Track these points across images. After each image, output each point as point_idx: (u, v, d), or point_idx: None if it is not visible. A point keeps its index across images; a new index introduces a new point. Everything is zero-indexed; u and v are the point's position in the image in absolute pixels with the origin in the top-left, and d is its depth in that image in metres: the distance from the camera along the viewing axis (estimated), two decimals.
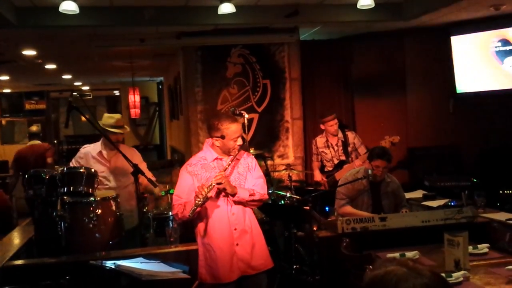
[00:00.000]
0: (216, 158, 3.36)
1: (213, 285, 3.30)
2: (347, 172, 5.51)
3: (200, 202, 3.11)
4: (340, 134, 5.92)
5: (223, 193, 3.29)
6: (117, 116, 4.71)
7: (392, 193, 4.40)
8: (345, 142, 5.88)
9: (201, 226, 3.35)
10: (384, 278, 1.36)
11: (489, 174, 6.63)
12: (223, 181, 3.17)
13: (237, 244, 3.30)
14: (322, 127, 5.96)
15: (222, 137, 3.27)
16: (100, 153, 4.59)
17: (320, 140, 6.01)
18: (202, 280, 3.31)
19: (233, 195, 3.25)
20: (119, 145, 4.58)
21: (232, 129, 3.27)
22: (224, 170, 3.24)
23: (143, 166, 4.67)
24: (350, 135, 5.94)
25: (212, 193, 3.21)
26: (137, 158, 4.64)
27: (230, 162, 3.28)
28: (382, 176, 4.35)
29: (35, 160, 7.68)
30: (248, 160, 3.46)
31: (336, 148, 5.90)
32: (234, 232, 3.31)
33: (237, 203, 3.31)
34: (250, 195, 3.30)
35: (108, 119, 4.63)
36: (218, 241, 3.28)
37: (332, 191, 5.28)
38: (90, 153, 4.60)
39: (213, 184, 3.15)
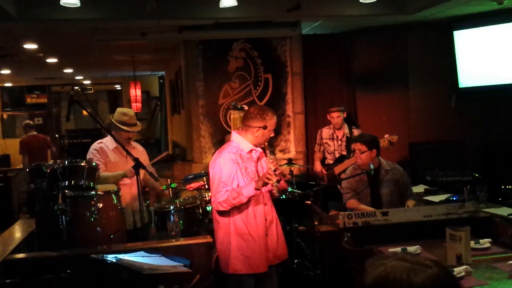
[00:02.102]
0: (252, 150, 3.40)
1: (249, 276, 3.30)
2: (346, 166, 5.52)
3: (276, 184, 3.20)
4: (346, 130, 5.96)
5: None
6: (131, 113, 4.50)
7: (392, 181, 4.32)
8: (349, 138, 5.91)
9: (238, 216, 3.32)
10: (391, 276, 1.34)
11: (491, 169, 6.63)
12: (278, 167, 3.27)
13: (267, 235, 3.37)
14: (328, 117, 6.01)
15: (265, 127, 3.34)
16: (116, 148, 4.40)
17: (326, 131, 6.06)
18: (235, 271, 3.30)
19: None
20: (130, 141, 4.53)
21: (273, 121, 3.39)
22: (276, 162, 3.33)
23: (147, 164, 4.65)
24: (356, 132, 5.98)
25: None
26: (142, 154, 4.61)
27: (269, 154, 3.37)
28: (358, 160, 4.28)
29: (38, 147, 8.62)
30: (263, 155, 3.53)
31: (340, 142, 5.93)
32: (265, 222, 3.37)
33: (271, 193, 3.42)
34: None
35: (121, 115, 4.40)
36: (259, 230, 3.32)
37: (332, 185, 5.29)
38: (108, 147, 4.41)
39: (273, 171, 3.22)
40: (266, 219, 3.38)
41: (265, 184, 3.20)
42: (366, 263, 1.44)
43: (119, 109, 4.56)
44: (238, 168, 3.31)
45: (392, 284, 1.34)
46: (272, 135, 3.41)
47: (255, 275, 3.32)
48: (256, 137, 3.37)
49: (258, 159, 3.46)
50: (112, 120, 4.44)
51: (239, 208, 3.30)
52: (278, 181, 3.19)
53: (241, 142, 3.40)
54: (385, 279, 1.35)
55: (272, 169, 3.20)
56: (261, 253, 3.31)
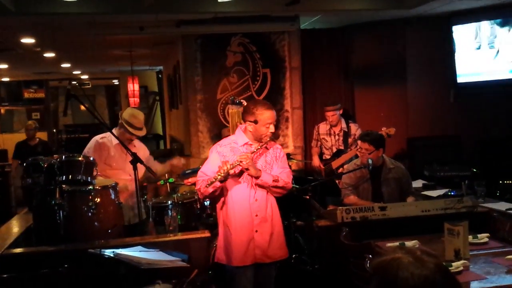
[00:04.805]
0: (246, 143, 3.39)
1: (229, 267, 3.35)
2: (344, 160, 5.53)
3: (219, 177, 3.18)
4: (344, 125, 5.93)
5: (247, 178, 3.33)
6: (141, 117, 4.47)
7: (394, 180, 4.34)
8: (347, 132, 5.90)
9: (223, 207, 3.41)
10: (388, 265, 1.37)
11: (489, 164, 6.62)
12: (247, 161, 3.21)
13: (256, 231, 3.35)
14: (325, 114, 5.99)
15: (255, 122, 3.31)
16: (118, 144, 4.36)
17: (323, 127, 6.04)
18: (218, 260, 3.40)
19: (257, 177, 3.29)
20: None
21: (265, 115, 3.31)
22: (251, 153, 3.29)
23: (151, 161, 4.67)
24: (353, 127, 5.96)
25: (235, 171, 3.27)
26: (143, 151, 4.61)
27: (258, 147, 3.34)
28: (364, 159, 4.29)
29: None
30: (277, 151, 3.51)
31: (337, 137, 5.92)
32: (255, 218, 3.35)
33: (260, 187, 3.35)
34: (273, 180, 3.34)
35: (131, 117, 4.38)
36: (237, 224, 3.33)
37: (330, 180, 5.28)
38: (111, 142, 4.40)
39: (237, 162, 3.20)
40: (256, 215, 3.35)
41: (226, 176, 3.21)
42: (372, 254, 1.49)
43: (129, 110, 4.55)
44: (224, 160, 3.32)
45: (384, 272, 1.38)
46: (270, 130, 3.34)
47: (240, 268, 3.32)
48: (250, 132, 3.37)
49: (259, 154, 3.42)
50: (121, 118, 4.41)
51: (223, 199, 3.38)
52: (222, 181, 3.22)
53: (239, 135, 3.44)
54: (383, 267, 1.38)
55: (237, 162, 3.21)
56: (239, 247, 3.31)
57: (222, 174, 3.17)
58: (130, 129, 4.36)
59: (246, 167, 3.24)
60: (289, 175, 3.50)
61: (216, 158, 3.35)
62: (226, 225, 3.39)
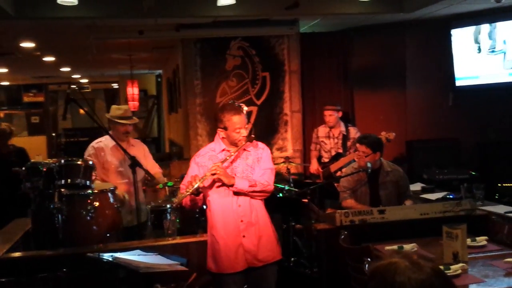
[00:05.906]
0: (224, 150, 3.36)
1: (218, 275, 3.32)
2: (342, 164, 5.53)
3: (188, 192, 3.15)
4: (343, 128, 5.95)
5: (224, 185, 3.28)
6: (125, 107, 4.67)
7: (392, 183, 4.32)
8: (346, 136, 5.91)
9: (208, 217, 3.38)
10: (385, 269, 1.38)
11: (487, 167, 6.64)
12: (218, 171, 3.17)
13: (244, 236, 3.29)
14: (323, 113, 6.01)
15: (225, 128, 3.28)
16: (115, 146, 4.38)
17: (322, 130, 6.06)
18: (208, 269, 3.35)
19: (231, 185, 3.23)
20: (129, 138, 4.57)
21: (233, 121, 3.26)
22: (222, 162, 3.24)
23: (149, 159, 4.71)
24: (352, 130, 5.97)
25: (206, 183, 3.24)
26: (143, 150, 4.66)
27: (232, 154, 3.29)
28: (361, 162, 4.28)
29: None
30: (259, 152, 3.42)
31: (336, 140, 5.93)
32: (240, 224, 3.29)
33: (238, 194, 3.28)
34: (250, 185, 3.25)
35: (116, 110, 4.54)
36: (222, 232, 3.29)
37: (328, 183, 5.29)
38: (107, 145, 4.44)
39: (208, 175, 3.18)
40: (241, 221, 3.29)
41: (196, 190, 3.18)
42: (371, 257, 1.49)
43: (113, 106, 4.66)
44: (202, 170, 3.29)
45: (381, 276, 1.38)
46: (242, 134, 3.28)
47: (230, 275, 3.28)
48: (224, 138, 3.35)
49: (240, 157, 3.39)
50: (108, 116, 4.50)
51: (210, 207, 3.34)
52: (195, 194, 3.21)
53: (216, 142, 3.42)
54: (380, 271, 1.38)
55: (207, 174, 3.17)
56: (228, 254, 3.27)
57: (192, 190, 3.14)
58: (122, 121, 4.44)
59: (218, 177, 3.20)
60: (271, 176, 3.37)
61: (195, 169, 3.32)
62: (211, 234, 3.34)
